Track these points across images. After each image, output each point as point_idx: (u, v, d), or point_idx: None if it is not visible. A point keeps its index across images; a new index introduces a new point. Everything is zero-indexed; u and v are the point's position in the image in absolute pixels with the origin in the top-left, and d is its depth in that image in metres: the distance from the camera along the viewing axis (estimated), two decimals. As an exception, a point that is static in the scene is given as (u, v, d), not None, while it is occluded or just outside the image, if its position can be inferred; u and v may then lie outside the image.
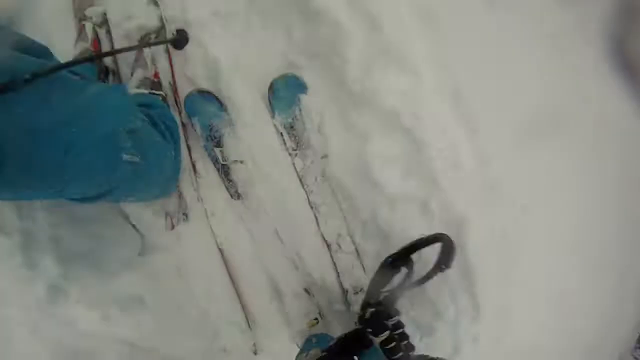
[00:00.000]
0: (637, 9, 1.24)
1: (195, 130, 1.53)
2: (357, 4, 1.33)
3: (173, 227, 1.60)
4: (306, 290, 1.65)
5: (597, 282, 1.58)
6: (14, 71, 0.71)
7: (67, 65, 0.87)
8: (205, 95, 1.48)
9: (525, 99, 1.27)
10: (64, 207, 1.55)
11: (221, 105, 1.49)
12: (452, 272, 1.36)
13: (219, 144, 1.52)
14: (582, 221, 1.49)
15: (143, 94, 1.42)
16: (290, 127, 1.52)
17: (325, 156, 1.52)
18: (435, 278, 1.37)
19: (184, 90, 1.52)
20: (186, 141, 1.56)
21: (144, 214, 1.63)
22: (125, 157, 1.01)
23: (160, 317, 1.63)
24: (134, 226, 1.65)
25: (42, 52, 1.01)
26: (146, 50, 1.50)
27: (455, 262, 1.34)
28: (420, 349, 1.43)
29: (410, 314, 1.49)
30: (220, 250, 1.65)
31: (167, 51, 1.52)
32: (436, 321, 1.48)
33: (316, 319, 1.60)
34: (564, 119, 1.27)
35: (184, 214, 1.62)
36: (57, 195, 0.94)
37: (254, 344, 1.71)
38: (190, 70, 1.51)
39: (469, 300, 1.46)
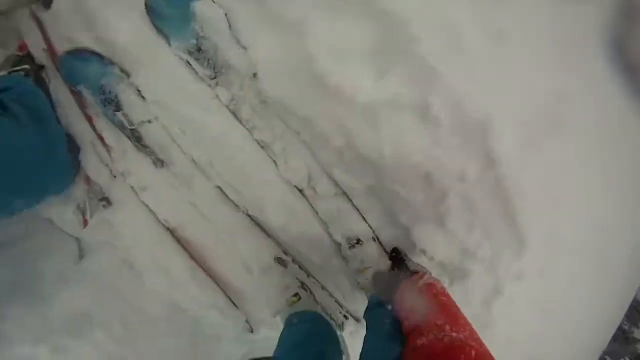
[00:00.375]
0: (637, 9, 1.22)
1: (86, 99, 1.24)
2: None
3: (86, 222, 1.29)
4: (279, 261, 1.30)
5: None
6: None
7: None
8: (80, 55, 1.19)
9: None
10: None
11: (102, 59, 1.19)
12: (481, 201, 1.13)
13: (118, 107, 1.22)
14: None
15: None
16: (198, 51, 1.13)
17: (255, 75, 1.11)
18: (459, 207, 1.14)
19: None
20: (84, 112, 1.26)
21: (65, 213, 1.33)
22: None
23: (119, 327, 1.40)
24: (62, 231, 1.40)
25: None
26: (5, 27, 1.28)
27: (484, 188, 1.10)
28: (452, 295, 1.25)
29: (435, 258, 1.22)
30: (169, 229, 1.34)
31: (34, 17, 1.23)
32: (469, 262, 1.21)
33: (296, 294, 1.29)
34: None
35: (101, 199, 1.32)
36: None
37: (247, 321, 1.46)
38: (65, 28, 1.18)
39: (508, 232, 1.17)
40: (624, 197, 1.43)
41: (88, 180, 1.31)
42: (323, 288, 1.40)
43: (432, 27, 1.01)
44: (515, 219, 1.12)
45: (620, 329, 1.83)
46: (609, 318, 1.71)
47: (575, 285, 1.45)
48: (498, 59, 1.02)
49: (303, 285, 1.32)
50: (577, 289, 1.47)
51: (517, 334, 1.39)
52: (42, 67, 1.26)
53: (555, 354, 1.54)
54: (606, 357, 2.10)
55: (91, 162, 1.28)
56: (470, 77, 0.99)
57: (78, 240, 1.44)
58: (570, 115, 1.18)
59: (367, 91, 0.99)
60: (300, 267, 1.36)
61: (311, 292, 1.36)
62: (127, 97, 1.20)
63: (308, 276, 1.37)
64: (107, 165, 1.29)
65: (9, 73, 1.22)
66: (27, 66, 1.24)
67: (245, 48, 1.07)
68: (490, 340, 1.36)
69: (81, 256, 1.43)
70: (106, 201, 1.32)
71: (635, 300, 1.81)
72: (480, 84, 1.01)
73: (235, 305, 1.42)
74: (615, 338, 1.78)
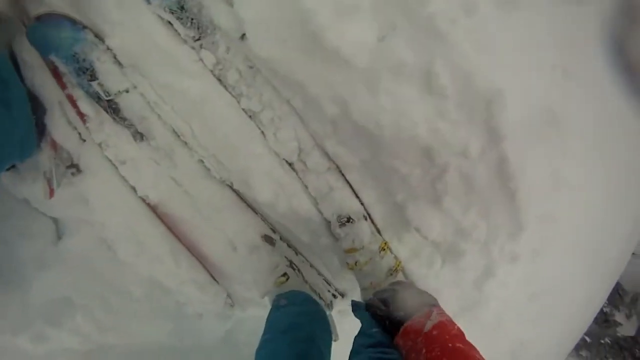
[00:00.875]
0: (637, 9, 1.19)
1: (59, 68, 1.10)
2: None
3: (52, 192, 1.14)
4: (266, 239, 1.20)
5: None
6: None
7: None
8: (50, 20, 1.05)
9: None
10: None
11: (74, 23, 1.06)
12: (481, 178, 1.05)
13: (93, 77, 1.09)
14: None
15: None
16: (180, 9, 1.00)
17: (243, 36, 0.98)
18: (457, 186, 1.07)
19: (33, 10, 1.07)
20: (56, 75, 1.12)
21: (39, 191, 1.20)
22: None
23: (100, 311, 1.32)
24: (39, 211, 1.30)
25: None
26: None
27: (486, 165, 1.03)
28: (442, 276, 1.22)
29: (429, 238, 1.16)
30: (149, 205, 1.23)
31: None
32: (463, 242, 1.15)
33: (285, 274, 1.19)
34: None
35: (70, 166, 1.18)
36: None
37: (228, 296, 1.39)
38: None
39: (506, 212, 1.12)
40: (622, 194, 1.40)
41: (54, 145, 1.16)
42: (311, 266, 1.31)
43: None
44: (515, 199, 1.06)
45: (601, 311, 1.84)
46: (594, 301, 1.69)
47: (565, 270, 1.42)
48: (510, 25, 0.93)
49: (291, 264, 1.23)
50: (566, 273, 1.43)
51: (506, 315, 1.35)
52: None
53: (541, 336, 1.51)
54: (586, 337, 2.14)
55: (58, 125, 1.14)
56: (481, 44, 0.89)
57: (55, 220, 1.34)
58: (569, 115, 1.14)
59: (367, 53, 0.88)
60: (289, 245, 1.27)
61: (299, 271, 1.27)
62: (102, 64, 1.07)
63: (296, 254, 1.28)
64: (75, 128, 1.15)
65: None
66: None
67: (231, 4, 0.93)
68: (479, 321, 1.34)
69: (59, 237, 1.33)
70: (75, 168, 1.18)
71: (617, 284, 1.82)
72: (491, 53, 0.92)
73: (215, 280, 1.35)
74: (595, 320, 1.78)
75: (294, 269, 1.24)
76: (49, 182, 1.13)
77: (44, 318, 1.29)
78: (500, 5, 0.93)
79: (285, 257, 1.24)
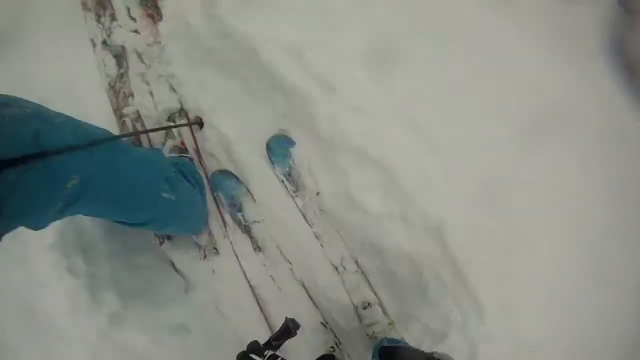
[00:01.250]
0: (637, 9, 1.20)
1: (220, 200, 1.77)
2: (316, 75, 1.48)
3: (205, 256, 1.74)
4: (323, 324, 1.69)
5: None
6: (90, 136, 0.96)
7: (119, 136, 1.20)
8: (225, 173, 1.75)
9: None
10: (121, 255, 1.72)
11: (238, 179, 1.74)
12: (447, 276, 1.42)
13: (240, 209, 1.73)
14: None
15: (175, 156, 1.68)
16: (289, 175, 1.68)
17: (318, 193, 1.65)
18: (433, 282, 1.47)
19: (208, 161, 1.77)
20: (217, 202, 1.77)
21: (185, 259, 1.77)
22: (164, 195, 1.25)
23: (202, 344, 1.70)
24: (177, 271, 1.81)
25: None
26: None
27: (447, 264, 1.42)
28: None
29: (421, 320, 1.51)
30: (251, 286, 1.74)
31: (190, 127, 1.76)
32: (447, 326, 1.46)
33: (332, 347, 1.62)
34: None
35: (214, 248, 1.76)
36: (122, 217, 1.20)
37: None
38: (209, 147, 1.75)
39: (469, 300, 1.43)
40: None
41: (210, 233, 1.74)
42: (348, 356, 1.66)
43: (408, 170, 1.40)
44: (468, 286, 1.37)
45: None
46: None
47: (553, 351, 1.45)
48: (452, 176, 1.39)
49: (337, 342, 1.65)
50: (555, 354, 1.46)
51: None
52: (191, 159, 1.70)
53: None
54: None
55: (214, 224, 1.74)
56: (430, 194, 1.40)
57: (186, 279, 1.80)
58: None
59: (376, 208, 1.49)
60: (335, 335, 1.67)
61: (340, 351, 1.67)
62: (246, 203, 1.68)
63: (338, 343, 1.66)
64: (222, 228, 1.74)
65: (179, 156, 1.67)
66: (189, 155, 1.70)
67: (315, 177, 1.63)
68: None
69: (186, 290, 1.79)
70: (216, 250, 1.75)
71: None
72: (437, 199, 1.40)
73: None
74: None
75: (339, 345, 1.66)
76: (204, 250, 1.73)
77: (167, 330, 1.67)
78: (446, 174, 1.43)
79: (334, 336, 1.65)
